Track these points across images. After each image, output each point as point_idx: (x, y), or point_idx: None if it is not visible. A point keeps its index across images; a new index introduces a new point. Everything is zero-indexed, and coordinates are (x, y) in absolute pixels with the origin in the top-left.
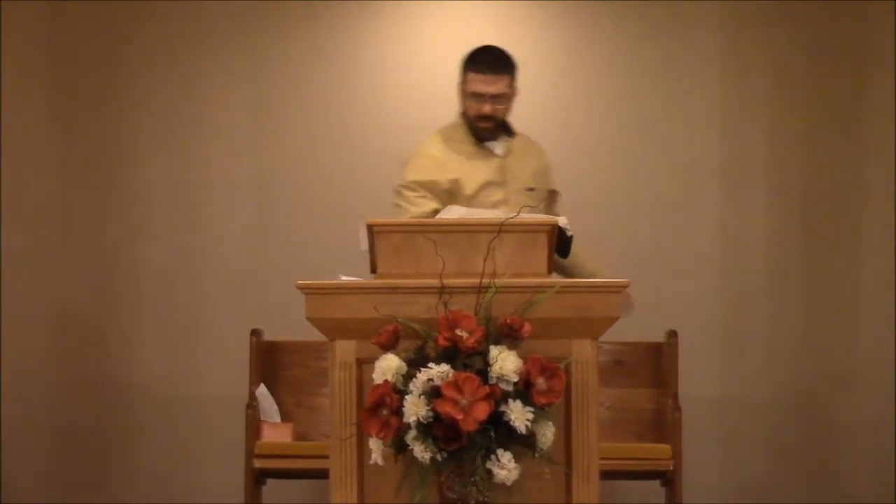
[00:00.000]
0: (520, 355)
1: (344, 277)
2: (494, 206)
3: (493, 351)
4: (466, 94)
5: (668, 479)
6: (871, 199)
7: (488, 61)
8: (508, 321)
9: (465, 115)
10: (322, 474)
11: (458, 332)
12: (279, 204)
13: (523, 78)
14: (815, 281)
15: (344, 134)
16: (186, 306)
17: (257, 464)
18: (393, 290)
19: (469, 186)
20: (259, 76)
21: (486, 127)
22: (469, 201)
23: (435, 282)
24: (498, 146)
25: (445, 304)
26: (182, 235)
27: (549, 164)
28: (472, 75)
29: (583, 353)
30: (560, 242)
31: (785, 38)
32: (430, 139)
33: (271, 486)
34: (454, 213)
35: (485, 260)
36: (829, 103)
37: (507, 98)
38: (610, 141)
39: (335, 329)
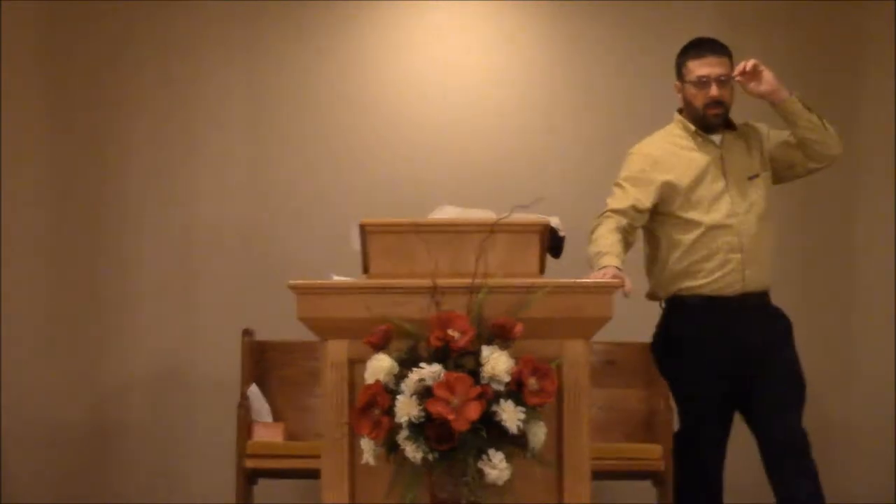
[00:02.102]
0: (512, 355)
1: (336, 277)
2: (715, 197)
3: (485, 351)
4: (689, 85)
5: (660, 479)
6: (871, 199)
7: (706, 45)
8: (500, 321)
9: (686, 110)
10: (314, 474)
11: (449, 332)
12: (272, 204)
13: (521, 80)
14: (813, 280)
15: (338, 133)
16: (179, 305)
17: (249, 463)
18: (385, 290)
19: (684, 181)
20: (255, 75)
21: (716, 113)
22: (687, 194)
23: (427, 282)
24: (717, 137)
25: (437, 305)
26: (176, 234)
27: (763, 141)
28: (692, 63)
29: (575, 354)
30: (552, 243)
31: (782, 39)
32: (648, 138)
33: (262, 486)
34: (447, 212)
35: (477, 260)
36: (826, 104)
37: (730, 82)
38: (607, 142)
39: (327, 329)
